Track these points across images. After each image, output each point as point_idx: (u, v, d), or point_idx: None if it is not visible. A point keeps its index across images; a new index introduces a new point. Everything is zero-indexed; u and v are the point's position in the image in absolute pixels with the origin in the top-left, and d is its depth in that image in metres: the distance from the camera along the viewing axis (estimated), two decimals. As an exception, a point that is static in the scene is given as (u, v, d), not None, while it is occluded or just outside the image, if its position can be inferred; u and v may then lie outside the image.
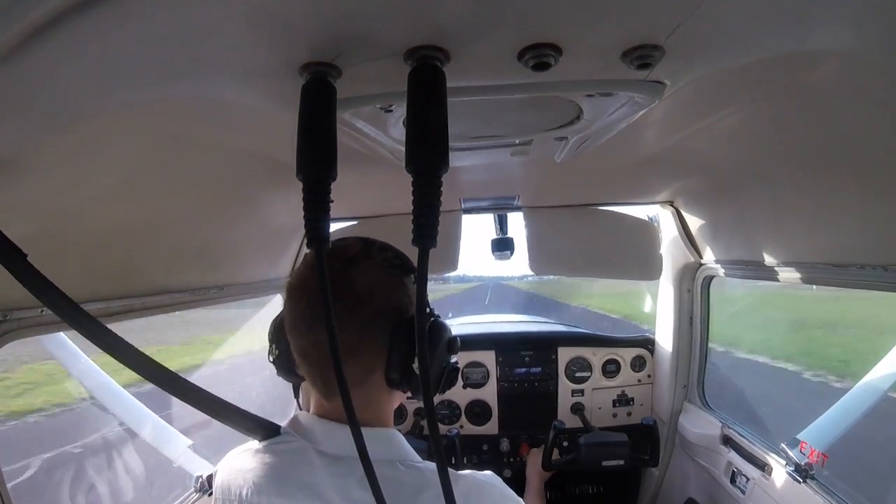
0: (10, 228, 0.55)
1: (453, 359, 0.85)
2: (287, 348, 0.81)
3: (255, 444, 0.81)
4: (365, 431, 0.57)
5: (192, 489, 1.54)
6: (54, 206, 0.80)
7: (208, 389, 0.71)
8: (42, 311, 0.86)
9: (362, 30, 0.52)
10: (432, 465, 0.77)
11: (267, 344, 0.89)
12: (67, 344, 1.66)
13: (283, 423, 0.84)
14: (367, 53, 0.57)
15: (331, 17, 0.49)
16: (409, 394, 0.81)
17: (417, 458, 0.80)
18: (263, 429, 0.80)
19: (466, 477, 0.77)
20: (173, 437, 1.72)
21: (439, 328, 0.81)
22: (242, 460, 0.79)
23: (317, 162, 0.58)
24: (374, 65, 0.59)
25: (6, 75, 0.46)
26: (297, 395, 0.94)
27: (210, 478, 1.52)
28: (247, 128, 0.93)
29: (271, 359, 0.87)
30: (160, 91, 0.64)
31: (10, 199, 0.70)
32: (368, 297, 0.75)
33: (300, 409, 0.88)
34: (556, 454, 2.08)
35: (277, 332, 0.84)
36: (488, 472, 0.83)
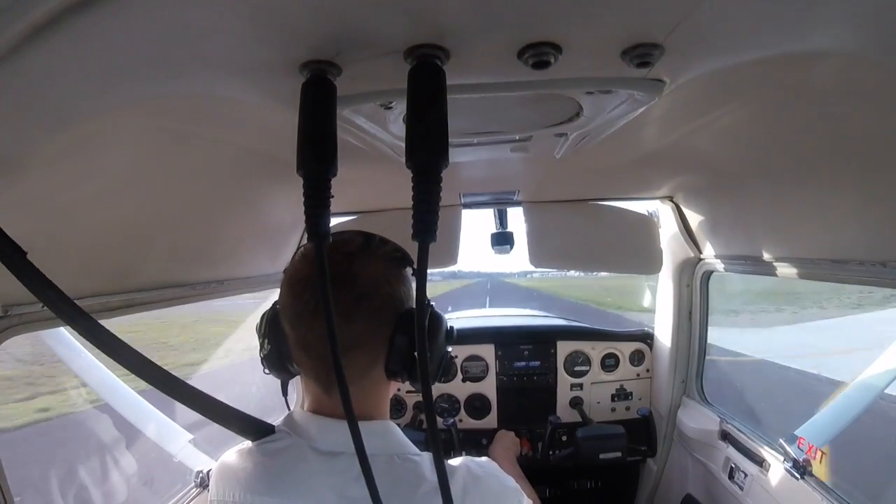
0: (10, 226, 0.55)
1: (449, 348, 0.87)
2: (279, 343, 0.81)
3: (249, 443, 0.80)
4: (362, 426, 0.58)
5: (193, 484, 1.55)
6: (55, 203, 0.80)
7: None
8: (43, 307, 0.87)
9: (362, 28, 0.52)
10: (429, 456, 0.77)
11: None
12: (69, 339, 1.66)
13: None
14: (367, 51, 0.57)
15: (331, 16, 0.49)
16: (407, 383, 0.81)
17: (414, 449, 0.80)
18: (257, 428, 0.80)
19: (462, 469, 0.77)
20: (174, 431, 1.73)
21: (437, 319, 0.82)
22: (236, 460, 0.79)
23: (317, 159, 0.58)
24: (374, 63, 0.59)
25: (6, 75, 0.46)
26: (285, 394, 0.93)
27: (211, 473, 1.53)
28: (247, 125, 0.93)
29: (262, 355, 0.84)
30: (160, 89, 0.64)
31: (10, 196, 0.70)
32: (373, 290, 0.76)
33: (288, 408, 0.87)
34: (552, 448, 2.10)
35: (270, 327, 0.82)
36: (484, 459, 0.83)
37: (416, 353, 0.75)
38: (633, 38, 0.56)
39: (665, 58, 0.60)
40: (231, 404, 0.77)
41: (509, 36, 0.55)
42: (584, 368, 2.34)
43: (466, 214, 2.04)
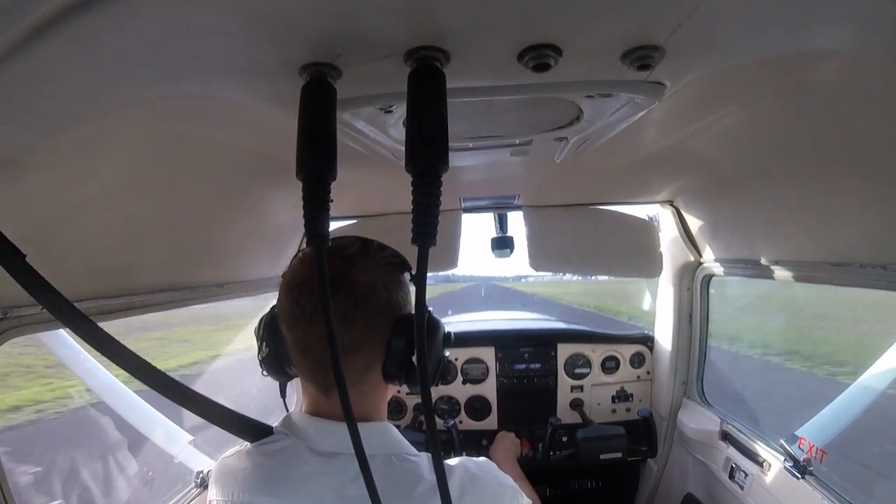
0: (10, 227, 0.55)
1: (446, 352, 0.87)
2: (277, 347, 0.81)
3: (248, 444, 0.80)
4: (361, 427, 0.58)
5: (193, 484, 1.55)
6: (56, 205, 0.80)
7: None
8: (43, 309, 0.87)
9: (362, 30, 0.52)
10: (427, 456, 0.78)
11: None
12: (69, 341, 1.66)
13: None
14: (367, 54, 0.57)
15: (331, 18, 0.49)
16: (404, 386, 0.82)
17: (412, 450, 0.80)
18: (255, 430, 0.80)
19: (460, 469, 0.77)
20: (175, 433, 1.73)
21: (435, 324, 0.83)
22: (235, 461, 0.79)
23: (317, 162, 0.58)
24: (374, 65, 0.59)
25: (6, 75, 0.46)
26: (283, 395, 0.93)
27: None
28: (247, 127, 0.92)
29: (261, 357, 0.85)
30: (160, 91, 0.64)
31: (11, 197, 0.70)
32: (371, 294, 0.76)
33: (287, 409, 0.87)
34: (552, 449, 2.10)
35: (268, 329, 0.83)
36: (482, 459, 0.84)
37: (413, 358, 0.76)
38: (634, 40, 0.56)
39: (665, 60, 0.59)
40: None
41: (509, 38, 0.55)
42: (584, 371, 2.34)
43: (463, 217, 2.04)
